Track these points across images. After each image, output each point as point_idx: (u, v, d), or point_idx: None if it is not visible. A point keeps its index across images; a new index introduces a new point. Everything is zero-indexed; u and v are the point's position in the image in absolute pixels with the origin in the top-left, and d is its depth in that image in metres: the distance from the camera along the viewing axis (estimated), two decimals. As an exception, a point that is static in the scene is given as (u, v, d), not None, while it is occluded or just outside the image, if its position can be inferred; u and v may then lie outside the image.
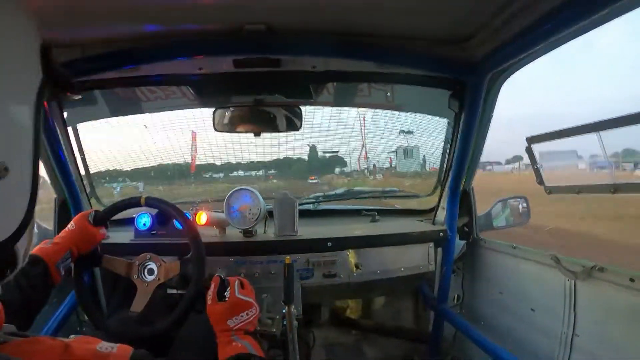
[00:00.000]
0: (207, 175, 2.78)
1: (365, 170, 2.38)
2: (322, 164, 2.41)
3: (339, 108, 1.78)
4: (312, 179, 2.73)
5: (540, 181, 1.43)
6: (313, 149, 2.22)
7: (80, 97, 1.29)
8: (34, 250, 0.94)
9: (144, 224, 1.44)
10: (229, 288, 1.00)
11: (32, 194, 0.44)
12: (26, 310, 0.84)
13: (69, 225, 1.09)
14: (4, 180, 0.40)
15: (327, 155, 2.28)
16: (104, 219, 1.17)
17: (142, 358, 0.52)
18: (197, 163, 2.35)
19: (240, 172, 2.82)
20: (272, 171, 2.82)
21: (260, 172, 2.81)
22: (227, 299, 0.97)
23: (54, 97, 0.51)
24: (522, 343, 1.38)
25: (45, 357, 0.43)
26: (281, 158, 2.39)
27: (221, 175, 2.81)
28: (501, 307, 1.53)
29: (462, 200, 1.60)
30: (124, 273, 1.16)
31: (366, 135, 1.96)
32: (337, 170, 2.57)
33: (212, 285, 1.01)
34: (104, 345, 0.50)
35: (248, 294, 1.00)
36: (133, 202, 1.23)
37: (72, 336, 0.51)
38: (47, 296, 0.95)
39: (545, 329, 1.29)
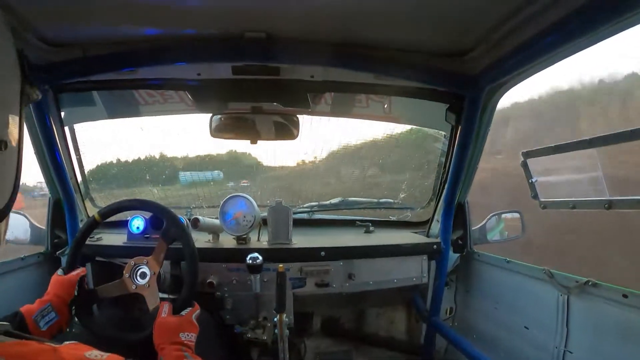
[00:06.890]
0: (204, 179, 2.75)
1: (361, 180, 2.37)
2: (318, 172, 2.39)
3: (337, 118, 1.78)
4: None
5: (535, 195, 1.43)
6: (309, 157, 2.22)
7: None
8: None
9: (138, 227, 1.43)
10: (188, 308, 1.04)
11: (16, 180, 0.47)
12: None
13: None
14: (3, 153, 0.43)
15: (324, 163, 2.27)
16: (73, 262, 1.15)
17: None
18: (193, 169, 2.34)
19: (236, 179, 2.81)
20: (268, 179, 2.81)
21: (257, 179, 2.80)
22: (184, 315, 1.01)
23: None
24: (514, 356, 1.38)
25: None
26: (277, 166, 2.39)
27: (216, 180, 2.79)
28: (494, 320, 1.53)
29: (456, 213, 1.60)
30: (120, 292, 1.14)
31: (363, 145, 1.97)
32: (332, 179, 2.57)
33: (168, 304, 1.04)
34: (94, 353, 0.48)
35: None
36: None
37: (65, 342, 0.50)
38: None
39: (538, 342, 1.29)
